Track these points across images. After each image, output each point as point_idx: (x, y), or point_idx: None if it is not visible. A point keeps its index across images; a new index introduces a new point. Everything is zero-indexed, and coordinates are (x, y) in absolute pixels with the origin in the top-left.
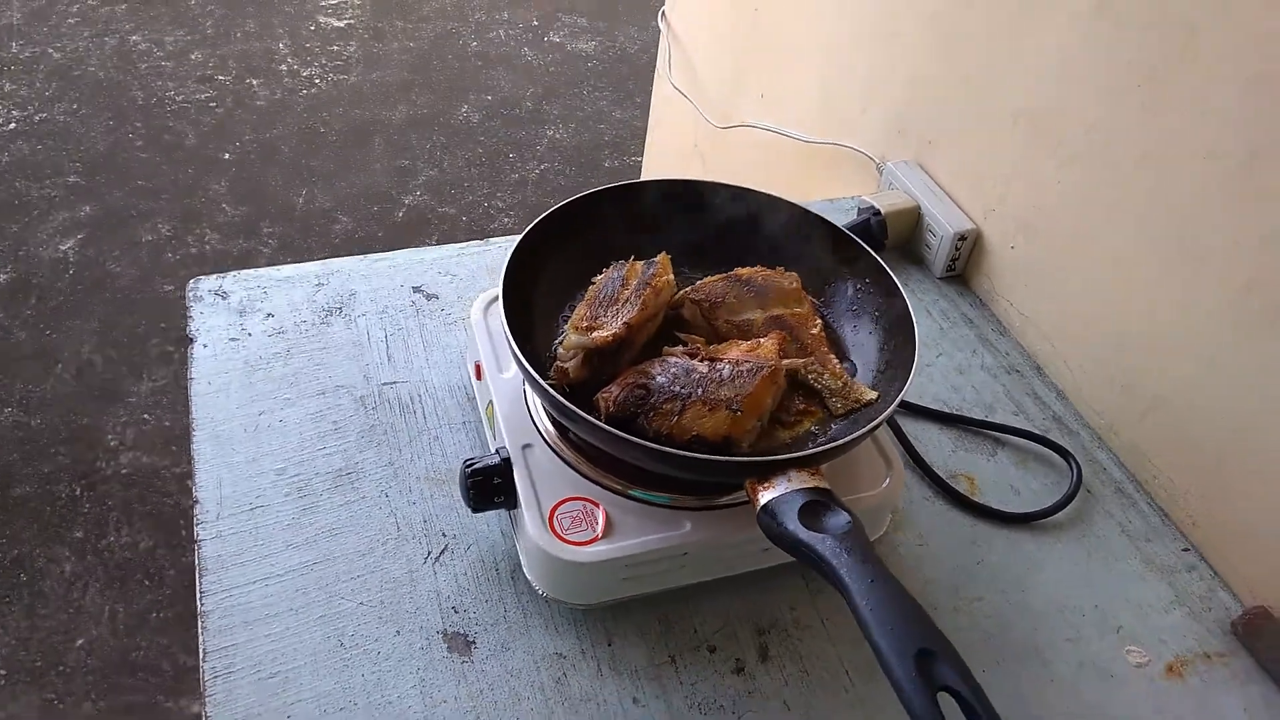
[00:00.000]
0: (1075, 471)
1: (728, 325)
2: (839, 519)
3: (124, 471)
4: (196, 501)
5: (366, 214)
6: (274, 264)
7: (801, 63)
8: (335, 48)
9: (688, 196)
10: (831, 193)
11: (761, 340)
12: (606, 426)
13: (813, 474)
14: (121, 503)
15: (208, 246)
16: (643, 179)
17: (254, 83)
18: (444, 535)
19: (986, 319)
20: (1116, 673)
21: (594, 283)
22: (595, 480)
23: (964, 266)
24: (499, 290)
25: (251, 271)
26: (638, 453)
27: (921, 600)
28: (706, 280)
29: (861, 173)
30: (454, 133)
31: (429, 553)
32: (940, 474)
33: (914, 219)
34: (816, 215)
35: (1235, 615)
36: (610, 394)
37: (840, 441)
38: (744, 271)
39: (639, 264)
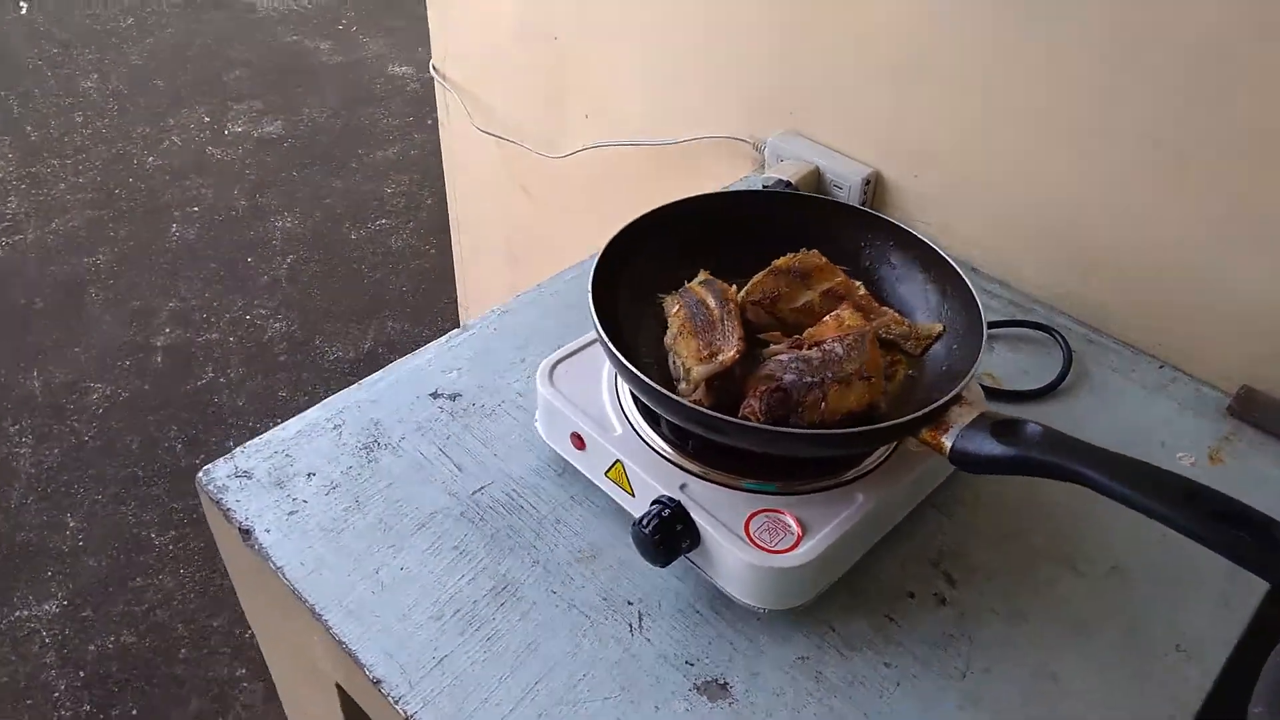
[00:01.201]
0: (1062, 341)
1: (793, 313)
2: (1031, 427)
3: None
4: (379, 681)
5: (120, 371)
6: (37, 464)
7: (628, 74)
8: None
9: (706, 210)
10: (709, 184)
11: (839, 313)
12: (816, 430)
13: (968, 405)
14: None
15: None
16: (668, 203)
17: None
18: (629, 603)
19: None
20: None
21: (673, 316)
22: (754, 491)
23: (872, 205)
24: (558, 356)
25: (256, 440)
26: (835, 444)
27: (1027, 483)
28: (755, 281)
29: (735, 157)
30: (176, 256)
31: (630, 625)
32: None
33: (816, 179)
34: (811, 196)
35: (1226, 401)
36: (753, 407)
37: (975, 367)
38: (780, 262)
39: (697, 286)
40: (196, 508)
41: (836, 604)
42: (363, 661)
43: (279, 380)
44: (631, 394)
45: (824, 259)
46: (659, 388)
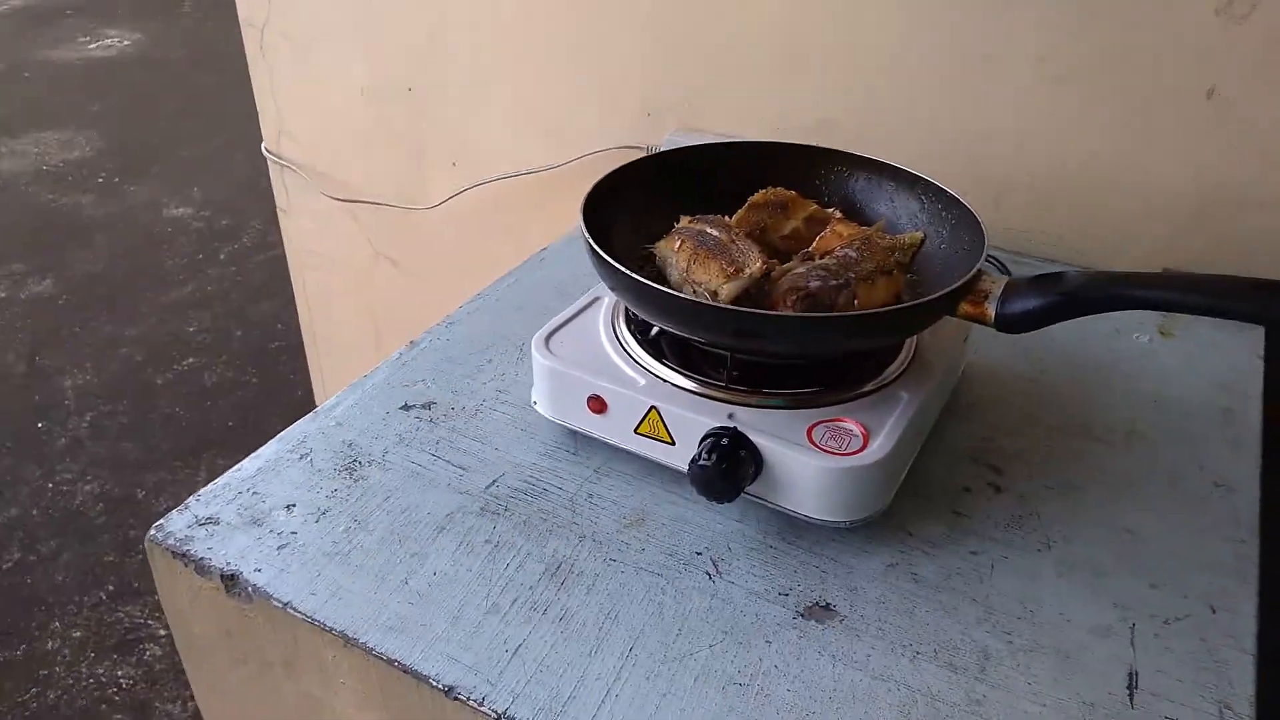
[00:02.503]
0: (999, 264)
1: (784, 241)
2: (1071, 273)
3: None
4: (452, 689)
5: None
6: None
7: (498, 109)
8: None
9: (665, 168)
10: None
11: (834, 228)
12: (873, 311)
13: (992, 279)
14: None
15: None
16: (625, 164)
17: None
18: (698, 554)
19: None
20: (1141, 352)
21: (677, 252)
22: (802, 406)
23: None
24: (549, 329)
25: (211, 486)
26: (892, 324)
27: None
28: (738, 217)
29: None
30: None
31: (707, 573)
32: None
33: None
34: (760, 142)
35: None
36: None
37: (985, 244)
38: (757, 197)
39: (688, 223)
40: (28, 705)
41: (903, 512)
42: (426, 673)
43: (101, 545)
44: (646, 342)
45: (791, 191)
46: (700, 300)
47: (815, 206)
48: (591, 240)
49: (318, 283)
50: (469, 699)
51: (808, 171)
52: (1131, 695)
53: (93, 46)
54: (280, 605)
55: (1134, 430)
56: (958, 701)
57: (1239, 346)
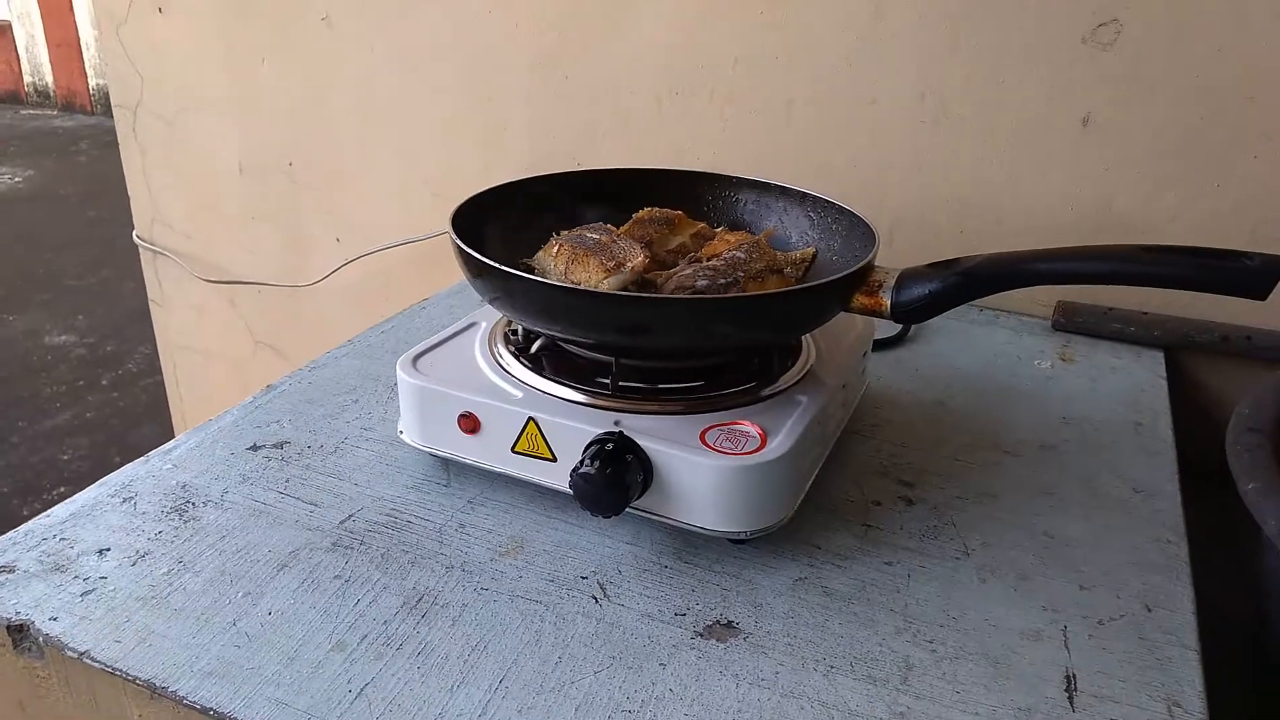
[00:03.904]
0: None
1: (669, 254)
2: (965, 259)
3: None
4: None
5: None
6: None
7: (382, 177)
8: None
9: (548, 188)
10: None
11: (723, 236)
12: (757, 294)
13: (885, 271)
14: None
15: None
16: (505, 183)
17: None
18: (583, 578)
19: None
20: (1044, 376)
21: (555, 257)
22: (695, 411)
23: None
24: (416, 351)
25: (9, 535)
26: (786, 304)
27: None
28: (625, 230)
29: None
30: None
31: (593, 596)
32: None
33: None
34: (646, 168)
35: (1045, 324)
36: None
37: (877, 239)
38: (642, 214)
39: (571, 231)
40: None
41: (809, 526)
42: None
43: None
44: (526, 357)
45: (677, 211)
46: (581, 286)
47: (703, 225)
48: (461, 243)
49: (194, 380)
50: None
51: (694, 197)
52: (1071, 698)
53: None
54: (76, 655)
55: (1045, 445)
56: (879, 715)
57: (1140, 368)
